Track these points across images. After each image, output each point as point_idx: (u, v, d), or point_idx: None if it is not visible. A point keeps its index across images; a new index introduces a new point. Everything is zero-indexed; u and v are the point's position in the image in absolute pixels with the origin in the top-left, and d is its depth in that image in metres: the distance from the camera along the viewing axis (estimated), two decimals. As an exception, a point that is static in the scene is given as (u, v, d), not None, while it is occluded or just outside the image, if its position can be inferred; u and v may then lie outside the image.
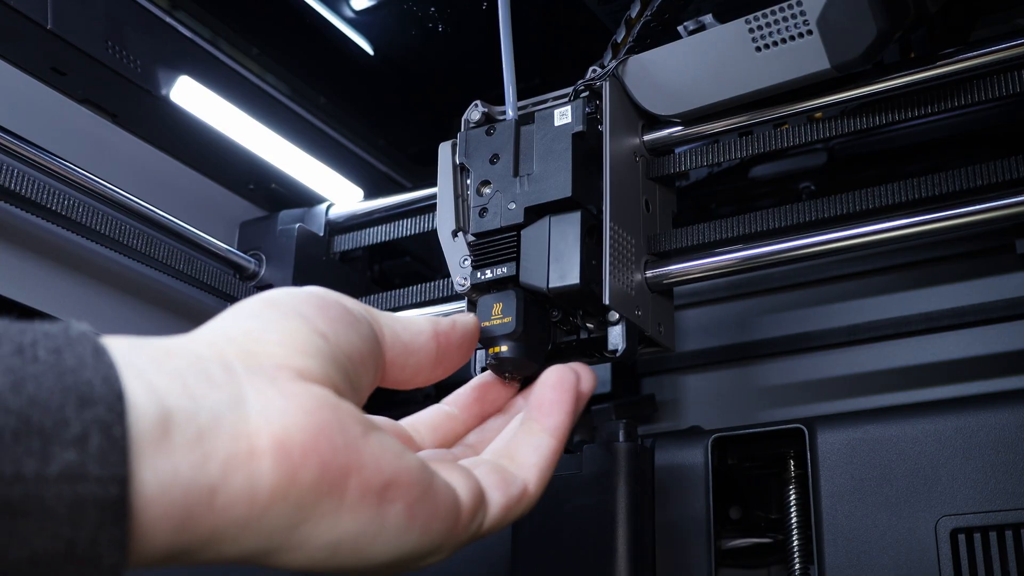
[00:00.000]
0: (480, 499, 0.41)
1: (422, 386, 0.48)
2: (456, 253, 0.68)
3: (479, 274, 0.65)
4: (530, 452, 0.45)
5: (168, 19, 0.93)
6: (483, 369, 0.68)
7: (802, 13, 0.63)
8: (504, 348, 0.59)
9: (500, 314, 0.60)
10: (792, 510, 0.74)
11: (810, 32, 0.63)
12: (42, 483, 0.26)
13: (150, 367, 0.31)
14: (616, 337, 0.65)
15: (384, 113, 1.14)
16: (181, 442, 0.30)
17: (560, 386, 0.46)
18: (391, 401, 1.10)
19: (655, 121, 0.73)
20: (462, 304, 0.71)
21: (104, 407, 0.28)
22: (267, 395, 0.33)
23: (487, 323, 0.61)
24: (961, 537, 0.64)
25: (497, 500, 0.42)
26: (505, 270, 0.64)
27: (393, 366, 0.44)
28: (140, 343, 0.32)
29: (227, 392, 0.32)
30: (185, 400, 0.30)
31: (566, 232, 0.63)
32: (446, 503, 0.38)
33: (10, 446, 0.26)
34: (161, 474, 0.29)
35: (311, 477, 0.32)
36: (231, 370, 0.33)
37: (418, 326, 0.46)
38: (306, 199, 1.04)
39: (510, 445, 0.46)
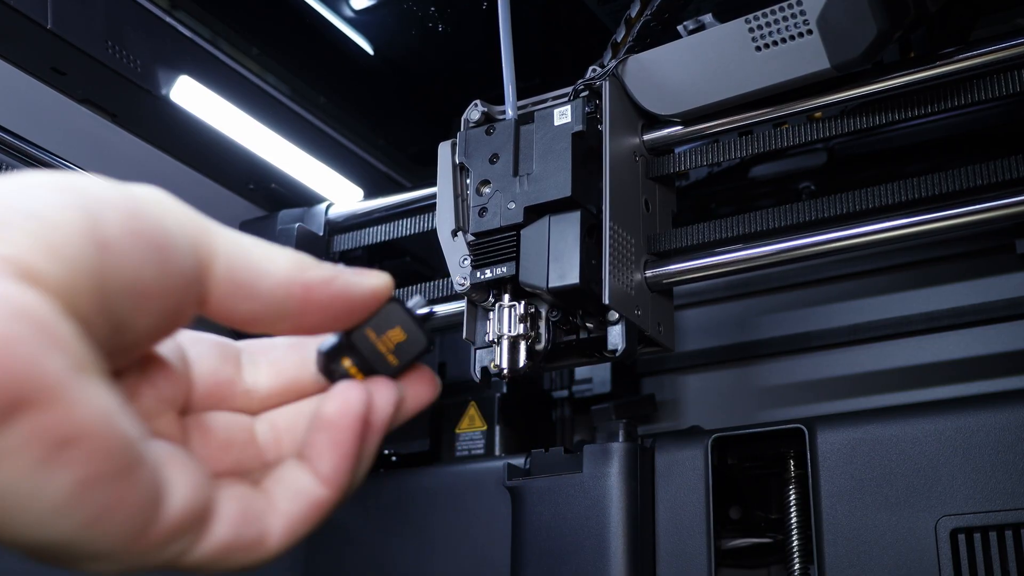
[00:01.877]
0: (197, 521, 0.32)
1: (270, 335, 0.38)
2: (456, 253, 0.68)
3: (478, 273, 0.65)
4: (288, 496, 0.35)
5: (168, 19, 0.93)
6: (482, 370, 0.68)
7: (802, 13, 0.63)
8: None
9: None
10: (792, 510, 0.74)
11: (810, 32, 0.63)
12: None
13: None
14: (616, 337, 0.65)
15: (384, 113, 1.14)
16: None
17: (341, 420, 0.35)
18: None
19: (655, 121, 0.73)
20: (461, 303, 0.71)
21: None
22: None
23: None
24: (961, 537, 0.64)
25: (220, 534, 0.33)
26: (504, 270, 0.64)
27: (220, 305, 0.34)
28: None
29: None
30: None
31: (566, 232, 0.63)
32: (138, 500, 0.30)
33: None
34: None
35: None
36: None
37: (268, 266, 0.34)
38: (306, 199, 1.04)
39: (278, 477, 0.36)
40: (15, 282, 0.27)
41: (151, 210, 0.31)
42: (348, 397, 0.36)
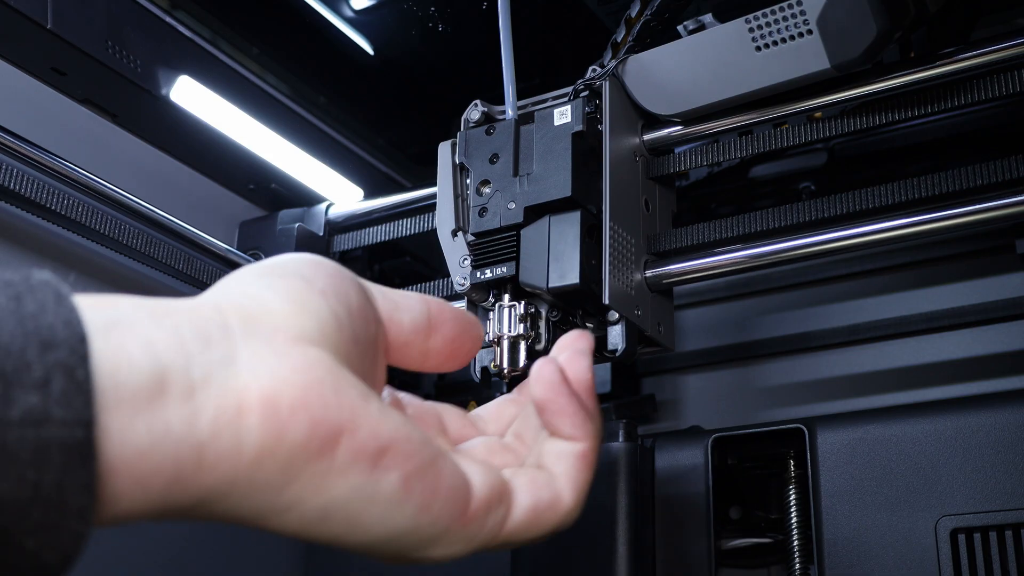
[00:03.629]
0: (500, 494, 0.39)
1: (421, 368, 0.45)
2: (456, 253, 0.68)
3: (478, 274, 0.65)
4: (556, 460, 0.43)
5: (168, 19, 0.93)
6: (482, 370, 0.68)
7: (802, 13, 0.63)
8: None
9: None
10: (792, 510, 0.74)
11: (810, 32, 0.63)
12: (4, 427, 0.26)
13: (149, 324, 0.31)
14: (616, 336, 0.65)
15: (384, 113, 1.14)
16: (174, 397, 0.30)
17: (547, 391, 0.42)
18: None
19: (655, 121, 0.73)
20: (462, 304, 0.71)
21: (66, 350, 0.28)
22: (260, 354, 0.33)
23: None
24: (961, 537, 0.64)
25: (523, 502, 0.40)
26: (504, 270, 0.64)
27: (388, 321, 0.42)
28: (142, 301, 0.32)
29: (221, 351, 0.32)
30: (180, 356, 0.31)
31: (566, 232, 0.63)
32: (451, 484, 0.37)
33: None
34: (155, 429, 0.29)
35: (300, 435, 0.32)
36: (228, 330, 0.33)
37: (402, 292, 0.43)
38: (306, 199, 1.04)
39: (541, 453, 0.43)
40: (301, 345, 0.34)
41: (331, 265, 0.39)
42: (543, 374, 0.42)
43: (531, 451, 0.44)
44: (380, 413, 0.35)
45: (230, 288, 0.36)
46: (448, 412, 0.47)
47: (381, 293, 0.42)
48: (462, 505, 0.37)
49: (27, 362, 0.27)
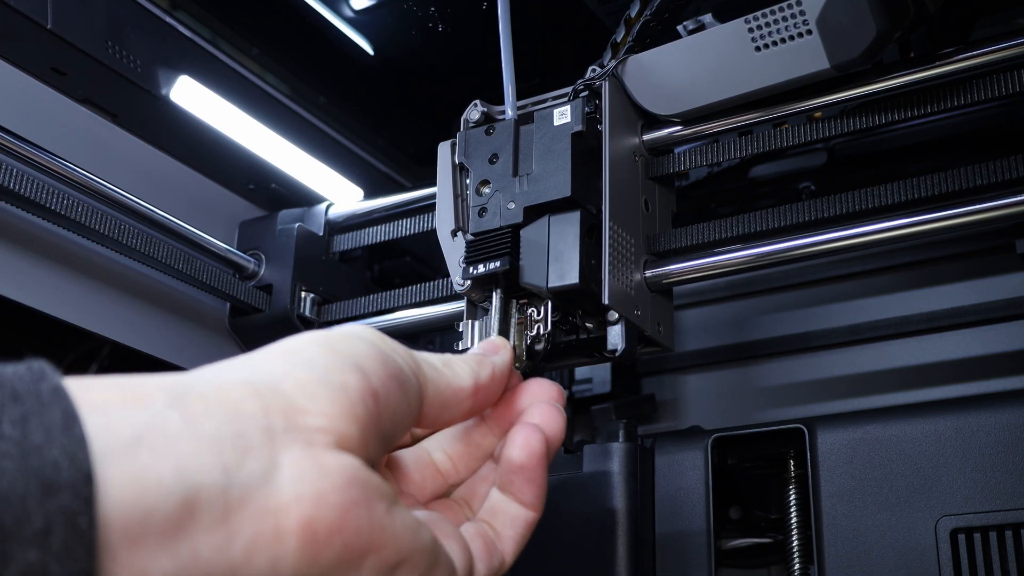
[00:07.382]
0: (470, 571, 0.41)
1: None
2: (455, 253, 0.68)
3: (472, 269, 0.65)
4: (508, 524, 0.45)
5: (168, 19, 0.93)
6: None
7: (802, 13, 0.63)
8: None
9: None
10: (792, 510, 0.74)
11: (809, 32, 0.63)
12: None
13: (185, 435, 0.29)
14: (615, 337, 0.65)
15: (384, 113, 1.14)
16: (207, 521, 0.29)
17: (529, 459, 0.44)
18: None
19: (655, 121, 0.73)
20: (461, 303, 0.71)
21: (69, 494, 0.26)
22: (302, 466, 0.32)
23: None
24: (961, 537, 0.64)
25: (481, 571, 0.42)
26: (498, 264, 0.64)
27: (426, 419, 0.42)
28: (177, 393, 0.30)
29: (262, 461, 0.31)
30: (218, 473, 0.30)
31: (565, 232, 0.63)
32: None
33: None
34: (182, 558, 0.28)
35: (332, 557, 0.32)
36: (270, 433, 0.32)
37: (460, 383, 0.43)
38: (306, 199, 1.04)
39: (492, 510, 0.45)
40: (337, 452, 0.33)
41: (387, 351, 0.38)
42: (529, 436, 0.44)
43: (472, 504, 0.47)
44: (402, 526, 0.35)
45: (276, 368, 0.34)
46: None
47: (436, 392, 0.41)
48: None
49: (27, 511, 0.25)
